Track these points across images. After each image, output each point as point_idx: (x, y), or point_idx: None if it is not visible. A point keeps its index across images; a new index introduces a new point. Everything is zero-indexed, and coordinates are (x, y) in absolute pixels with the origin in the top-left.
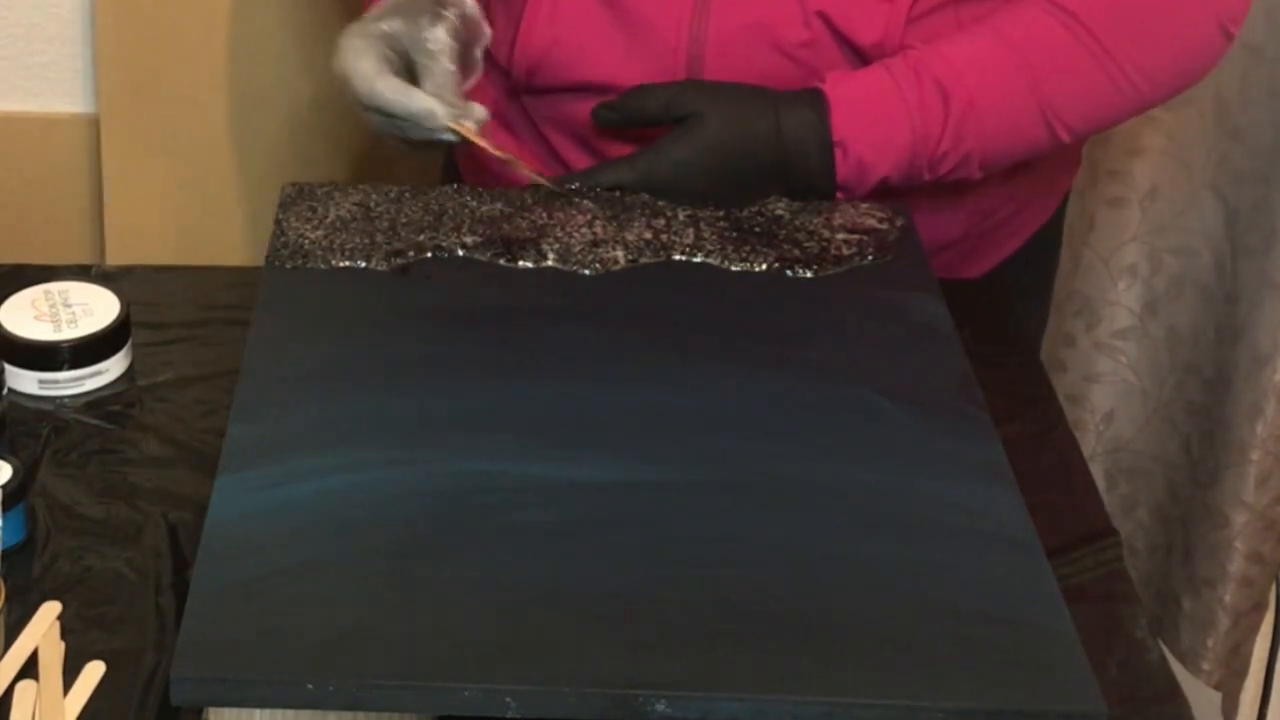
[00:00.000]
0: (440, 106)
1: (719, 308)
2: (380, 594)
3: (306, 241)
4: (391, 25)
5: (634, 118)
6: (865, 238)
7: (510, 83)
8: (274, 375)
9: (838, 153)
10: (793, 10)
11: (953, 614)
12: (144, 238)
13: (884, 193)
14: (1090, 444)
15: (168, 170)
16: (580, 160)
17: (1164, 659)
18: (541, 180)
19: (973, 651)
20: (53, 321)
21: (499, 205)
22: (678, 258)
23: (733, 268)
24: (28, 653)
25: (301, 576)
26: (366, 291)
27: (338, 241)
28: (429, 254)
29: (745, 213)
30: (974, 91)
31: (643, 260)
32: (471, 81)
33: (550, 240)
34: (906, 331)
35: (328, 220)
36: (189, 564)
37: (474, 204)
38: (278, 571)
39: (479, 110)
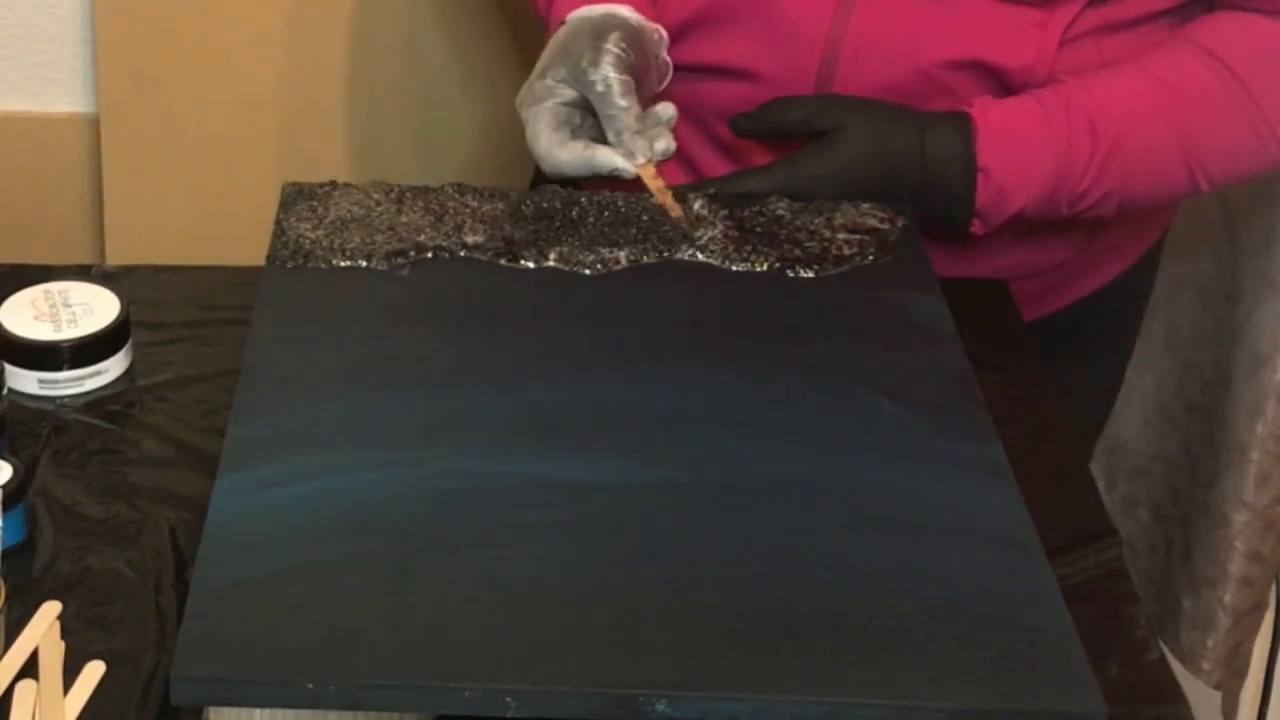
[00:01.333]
0: (622, 160)
1: (719, 308)
2: (380, 594)
3: (307, 241)
4: (556, 76)
5: (773, 129)
6: (866, 238)
7: None
8: (274, 375)
9: (980, 179)
10: (938, 26)
11: (953, 614)
12: (144, 238)
13: (1016, 222)
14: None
15: (168, 170)
16: (692, 138)
17: (1164, 659)
18: (682, 221)
19: (973, 651)
20: (53, 321)
21: (500, 205)
22: (679, 257)
23: (734, 268)
24: (28, 653)
25: (301, 576)
26: (367, 291)
27: (338, 241)
28: (429, 254)
29: (746, 213)
30: (1123, 132)
31: (644, 260)
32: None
33: (550, 239)
34: (907, 331)
35: (328, 220)
36: (189, 564)
37: (474, 204)
38: (278, 571)
39: (663, 143)
